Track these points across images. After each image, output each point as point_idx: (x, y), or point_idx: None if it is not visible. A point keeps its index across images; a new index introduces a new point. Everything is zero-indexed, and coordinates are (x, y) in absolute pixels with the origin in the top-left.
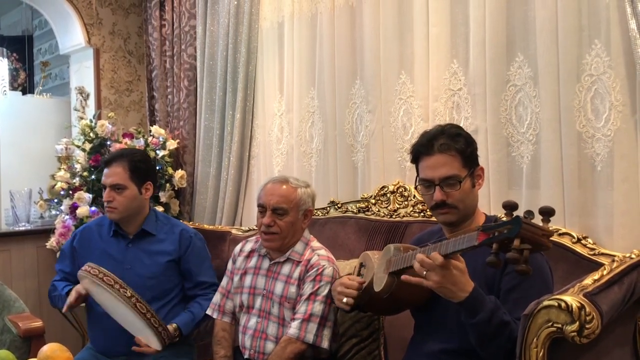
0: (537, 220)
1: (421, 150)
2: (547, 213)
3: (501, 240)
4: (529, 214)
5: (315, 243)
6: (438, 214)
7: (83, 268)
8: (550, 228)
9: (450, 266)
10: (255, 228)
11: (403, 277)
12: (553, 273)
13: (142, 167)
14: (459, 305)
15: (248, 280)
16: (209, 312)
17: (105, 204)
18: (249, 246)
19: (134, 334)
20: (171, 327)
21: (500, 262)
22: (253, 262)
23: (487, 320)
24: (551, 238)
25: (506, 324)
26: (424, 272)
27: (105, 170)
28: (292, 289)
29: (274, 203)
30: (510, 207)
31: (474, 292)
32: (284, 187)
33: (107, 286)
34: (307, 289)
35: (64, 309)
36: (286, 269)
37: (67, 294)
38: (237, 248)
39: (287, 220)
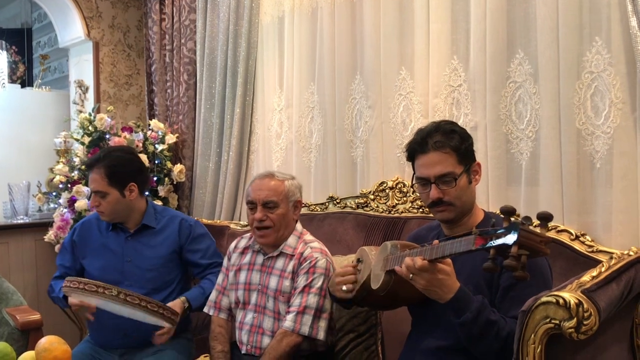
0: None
1: (416, 148)
2: (545, 219)
3: (498, 246)
4: (527, 219)
5: (308, 236)
6: (435, 211)
7: (62, 285)
8: (549, 228)
9: (436, 270)
10: None
11: (395, 268)
12: (552, 268)
13: (120, 171)
14: (444, 305)
15: (243, 276)
16: (205, 309)
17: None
18: (243, 243)
19: (150, 324)
20: (179, 300)
21: (497, 268)
22: (247, 258)
23: (473, 320)
24: (549, 243)
25: (493, 323)
26: (410, 276)
27: (89, 175)
28: (286, 283)
29: (263, 197)
30: (508, 212)
31: (459, 292)
32: (272, 181)
33: (91, 294)
34: (301, 281)
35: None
36: (280, 263)
37: (65, 297)
38: (232, 245)
39: (278, 212)
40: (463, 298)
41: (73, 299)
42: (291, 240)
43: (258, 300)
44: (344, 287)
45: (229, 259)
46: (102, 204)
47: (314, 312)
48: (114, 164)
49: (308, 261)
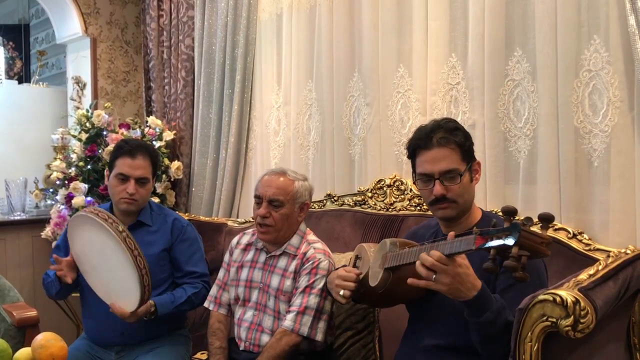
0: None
1: (419, 144)
2: (547, 220)
3: (499, 246)
4: (528, 220)
5: (311, 236)
6: (437, 209)
7: (78, 213)
8: (552, 228)
9: (456, 264)
10: (252, 220)
11: (409, 280)
12: (548, 268)
13: (157, 161)
14: (464, 303)
15: (245, 273)
16: (205, 304)
17: (124, 194)
18: (245, 239)
19: (111, 299)
20: (148, 302)
21: (497, 268)
22: (250, 255)
23: (493, 320)
24: (550, 244)
25: (510, 325)
26: (433, 277)
27: (130, 161)
28: (288, 282)
29: (270, 194)
30: (509, 212)
31: (482, 290)
32: (282, 179)
33: (101, 220)
34: (303, 281)
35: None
36: (282, 262)
37: (58, 279)
38: (234, 240)
39: (282, 212)
40: (486, 296)
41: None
42: (294, 240)
43: (259, 299)
44: (341, 292)
45: (231, 255)
46: (140, 191)
47: (314, 313)
48: (155, 154)
49: (311, 262)
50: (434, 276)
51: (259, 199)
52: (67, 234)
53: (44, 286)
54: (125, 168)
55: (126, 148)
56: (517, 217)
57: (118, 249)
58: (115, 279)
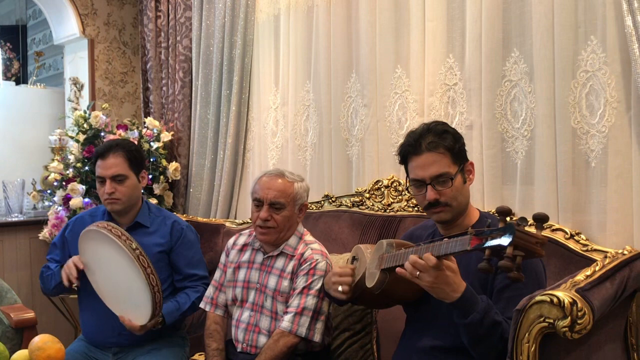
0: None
1: (409, 150)
2: (541, 220)
3: (494, 247)
4: (523, 220)
5: (308, 237)
6: (432, 213)
7: (88, 227)
8: (544, 229)
9: (443, 267)
10: (250, 221)
11: (398, 269)
12: (546, 269)
13: (137, 155)
14: (450, 305)
15: (242, 273)
16: (202, 305)
17: (105, 196)
18: (242, 239)
19: (120, 310)
20: None
21: (492, 269)
22: (247, 255)
23: (479, 321)
24: (544, 244)
25: (498, 324)
26: (417, 273)
27: (101, 162)
28: (285, 283)
29: (271, 197)
30: (503, 213)
31: (466, 292)
32: (280, 181)
33: (114, 236)
34: (300, 282)
35: (66, 283)
36: (280, 263)
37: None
38: (231, 241)
39: (284, 214)
40: (470, 298)
41: (76, 258)
42: (292, 240)
43: (256, 299)
44: (340, 288)
45: (227, 256)
46: (119, 189)
47: (312, 314)
48: (132, 149)
49: (308, 262)
50: (417, 273)
51: (258, 202)
52: (78, 245)
53: (41, 279)
54: (99, 170)
55: (98, 152)
56: (512, 218)
57: (131, 266)
58: (127, 293)
